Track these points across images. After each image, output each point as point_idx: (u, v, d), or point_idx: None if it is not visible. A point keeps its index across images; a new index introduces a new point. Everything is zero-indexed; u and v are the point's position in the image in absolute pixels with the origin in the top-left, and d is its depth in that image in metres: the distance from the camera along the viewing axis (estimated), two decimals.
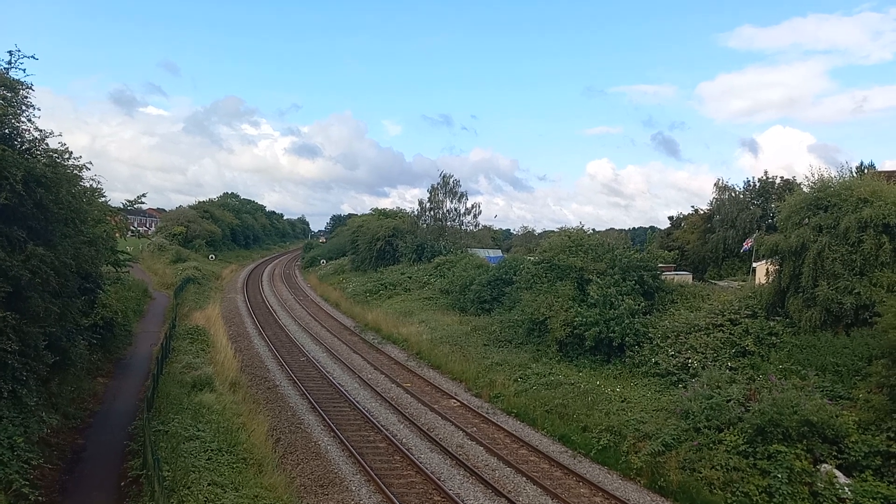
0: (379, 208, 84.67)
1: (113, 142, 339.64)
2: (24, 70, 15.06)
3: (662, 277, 29.69)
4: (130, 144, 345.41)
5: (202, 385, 22.06)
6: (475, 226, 67.99)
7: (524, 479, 17.41)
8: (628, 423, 19.52)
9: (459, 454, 19.02)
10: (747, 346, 21.54)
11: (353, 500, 15.95)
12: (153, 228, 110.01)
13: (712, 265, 56.56)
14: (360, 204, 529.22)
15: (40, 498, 12.09)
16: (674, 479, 16.66)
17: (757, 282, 30.51)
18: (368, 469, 17.50)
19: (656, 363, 23.39)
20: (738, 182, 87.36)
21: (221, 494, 13.65)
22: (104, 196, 21.50)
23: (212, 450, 16.15)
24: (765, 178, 57.78)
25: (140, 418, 17.47)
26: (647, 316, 26.44)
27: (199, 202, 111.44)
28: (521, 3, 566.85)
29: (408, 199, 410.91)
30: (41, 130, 14.88)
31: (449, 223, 66.08)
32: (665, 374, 22.73)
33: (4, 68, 14.71)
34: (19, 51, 14.92)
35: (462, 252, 56.38)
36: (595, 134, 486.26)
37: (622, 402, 21.45)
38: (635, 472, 17.66)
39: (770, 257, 23.50)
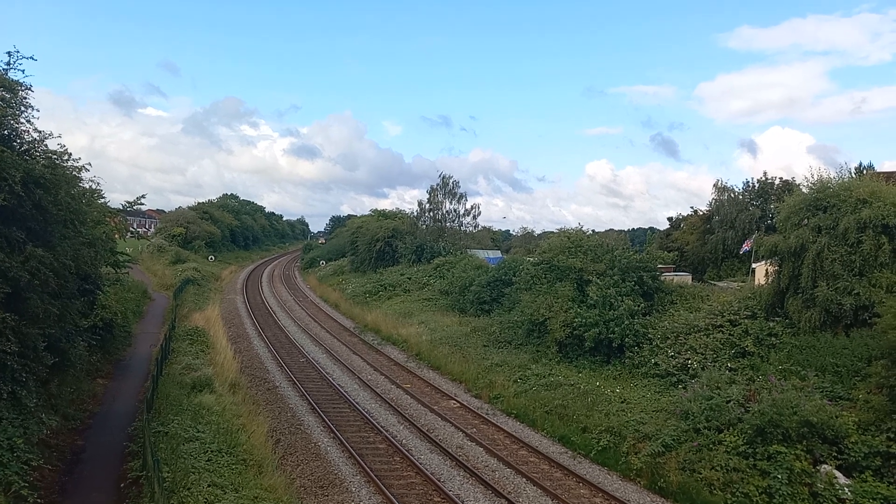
0: (378, 209, 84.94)
1: (112, 142, 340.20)
2: (23, 71, 15.05)
3: (662, 278, 29.68)
4: (130, 145, 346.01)
5: (202, 386, 22.07)
6: (474, 227, 68.10)
7: (524, 479, 17.41)
8: (628, 423, 19.52)
9: (459, 455, 19.01)
10: (747, 346, 21.54)
11: (353, 501, 15.94)
12: (152, 229, 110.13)
13: (712, 266, 56.55)
14: (360, 205, 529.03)
15: (39, 499, 12.03)
16: (674, 479, 16.66)
17: (756, 283, 30.54)
18: (368, 470, 17.49)
19: (656, 364, 23.40)
20: (737, 183, 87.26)
21: (221, 495, 13.64)
22: (103, 197, 21.50)
23: (212, 451, 16.15)
24: (764, 178, 57.86)
25: (140, 419, 17.45)
26: (647, 317, 26.46)
27: (199, 203, 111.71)
28: (521, 3, 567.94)
29: (407, 200, 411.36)
30: (40, 131, 14.90)
31: (448, 224, 66.08)
32: (665, 375, 22.74)
33: (3, 69, 14.69)
34: (18, 51, 14.91)
35: (461, 253, 56.34)
36: (594, 134, 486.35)
37: (622, 402, 21.45)
38: (635, 472, 17.66)
39: (769, 258, 23.52)
